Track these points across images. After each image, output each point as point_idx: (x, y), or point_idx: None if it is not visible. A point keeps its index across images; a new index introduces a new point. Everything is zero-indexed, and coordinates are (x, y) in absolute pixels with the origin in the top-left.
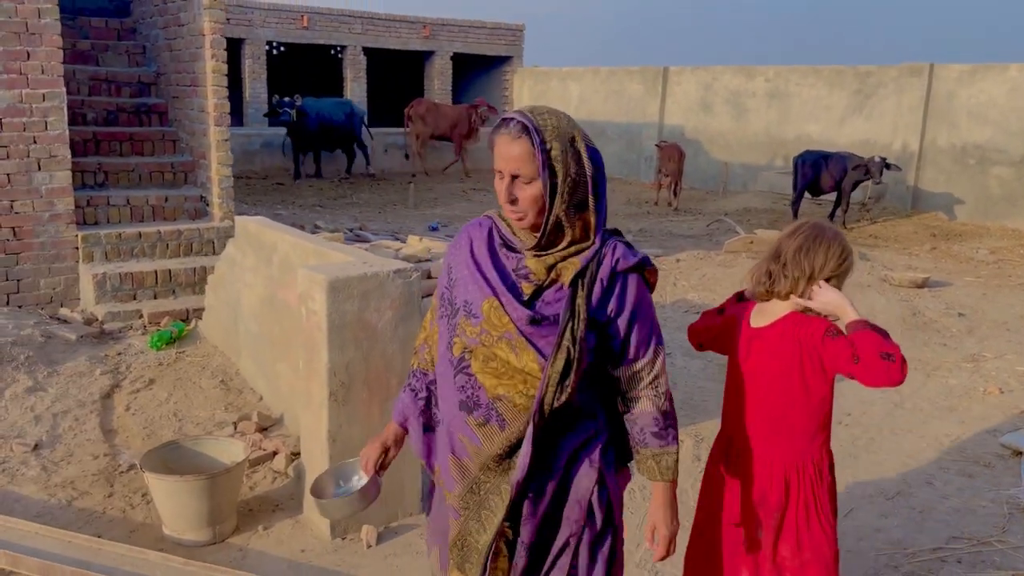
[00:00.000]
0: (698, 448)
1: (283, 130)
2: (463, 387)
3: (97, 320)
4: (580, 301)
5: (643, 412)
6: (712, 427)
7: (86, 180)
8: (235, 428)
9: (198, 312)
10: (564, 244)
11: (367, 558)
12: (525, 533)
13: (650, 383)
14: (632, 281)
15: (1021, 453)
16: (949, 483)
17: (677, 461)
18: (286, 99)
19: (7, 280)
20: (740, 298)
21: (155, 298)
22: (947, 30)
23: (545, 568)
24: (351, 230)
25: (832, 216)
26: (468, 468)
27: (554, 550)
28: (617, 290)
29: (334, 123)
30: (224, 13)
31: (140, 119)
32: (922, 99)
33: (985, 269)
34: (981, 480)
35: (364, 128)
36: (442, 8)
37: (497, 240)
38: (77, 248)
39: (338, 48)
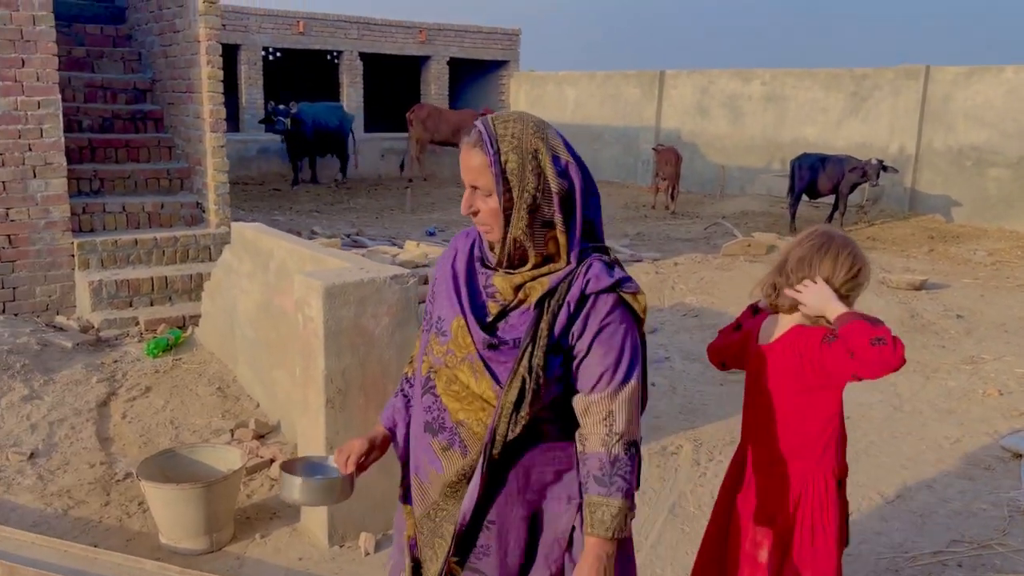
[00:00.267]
0: (697, 452)
1: (279, 136)
2: (429, 408)
3: (93, 327)
4: (543, 325)
5: (591, 453)
6: (711, 431)
7: (82, 187)
8: (232, 436)
9: (195, 319)
10: (533, 263)
11: (365, 566)
12: (488, 568)
13: (603, 420)
14: (602, 304)
15: (1021, 455)
16: (949, 486)
17: (622, 517)
18: (280, 107)
19: (3, 288)
20: (755, 311)
21: (151, 305)
22: (943, 32)
23: None
24: (348, 235)
25: (830, 219)
26: (428, 492)
27: None
28: (583, 313)
29: (328, 128)
30: (220, 19)
31: (136, 126)
32: (918, 101)
33: (983, 271)
34: (981, 483)
35: (351, 134)
36: (438, 13)
37: (476, 254)
38: (73, 255)
39: (334, 53)
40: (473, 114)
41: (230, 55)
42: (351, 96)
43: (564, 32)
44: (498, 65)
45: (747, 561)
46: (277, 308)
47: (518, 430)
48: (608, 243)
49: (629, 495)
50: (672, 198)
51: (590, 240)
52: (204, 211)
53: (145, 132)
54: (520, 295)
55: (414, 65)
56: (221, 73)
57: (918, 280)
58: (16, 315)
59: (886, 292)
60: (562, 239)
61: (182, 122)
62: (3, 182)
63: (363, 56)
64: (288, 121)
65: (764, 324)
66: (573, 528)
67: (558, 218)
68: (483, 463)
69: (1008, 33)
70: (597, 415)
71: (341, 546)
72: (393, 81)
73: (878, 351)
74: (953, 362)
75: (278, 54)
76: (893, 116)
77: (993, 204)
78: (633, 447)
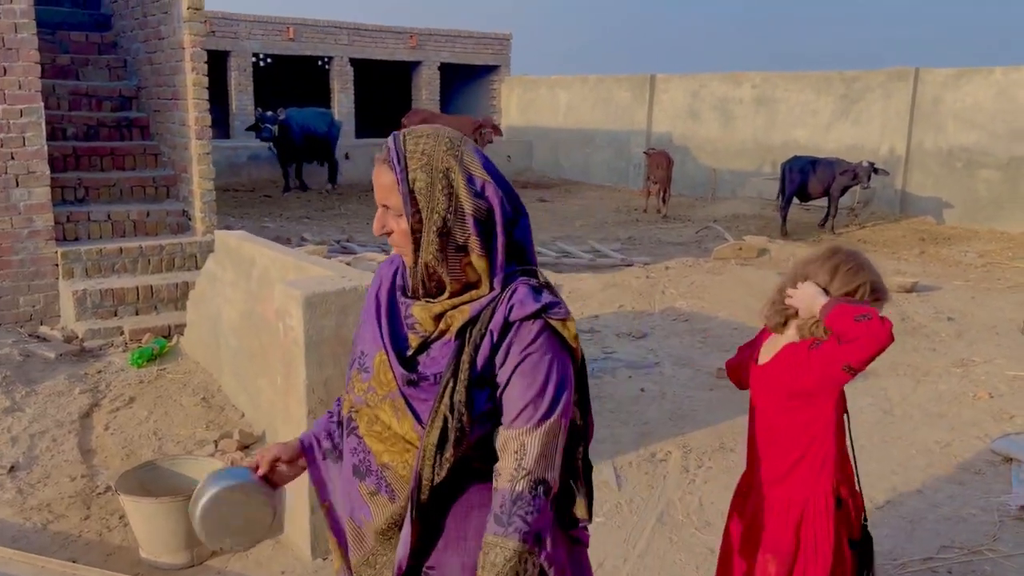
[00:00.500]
0: (686, 459)
1: (268, 142)
2: (355, 450)
3: (77, 338)
4: (464, 358)
5: (498, 489)
6: (701, 437)
7: (66, 196)
8: (216, 446)
9: (180, 328)
10: (451, 291)
11: None
12: None
13: (514, 453)
14: (526, 331)
15: (1011, 459)
16: (939, 491)
17: (517, 561)
18: (268, 113)
19: None
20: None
21: (137, 314)
22: (932, 34)
23: None
24: (338, 242)
25: (824, 223)
26: (365, 537)
27: None
28: (507, 343)
29: (316, 134)
30: (204, 26)
31: (121, 133)
32: (908, 103)
33: (974, 272)
34: (971, 487)
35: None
36: (429, 18)
37: (399, 282)
38: (57, 265)
39: (325, 59)
40: (469, 120)
41: (220, 62)
42: (342, 102)
43: (555, 37)
44: (489, 70)
45: None
46: (260, 317)
47: (444, 473)
48: (599, 247)
49: (528, 538)
50: (664, 202)
51: (520, 264)
52: (190, 219)
53: (131, 140)
54: (441, 325)
55: (405, 70)
56: (206, 80)
57: (909, 282)
58: None
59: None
60: (481, 264)
61: (168, 129)
62: None
63: (354, 62)
64: (275, 128)
65: (765, 344)
66: None
67: (474, 242)
68: (412, 509)
69: (998, 35)
70: (510, 449)
71: (325, 558)
72: (384, 87)
73: (865, 326)
74: (944, 365)
75: (269, 60)
76: (883, 118)
77: (983, 205)
78: (541, 486)
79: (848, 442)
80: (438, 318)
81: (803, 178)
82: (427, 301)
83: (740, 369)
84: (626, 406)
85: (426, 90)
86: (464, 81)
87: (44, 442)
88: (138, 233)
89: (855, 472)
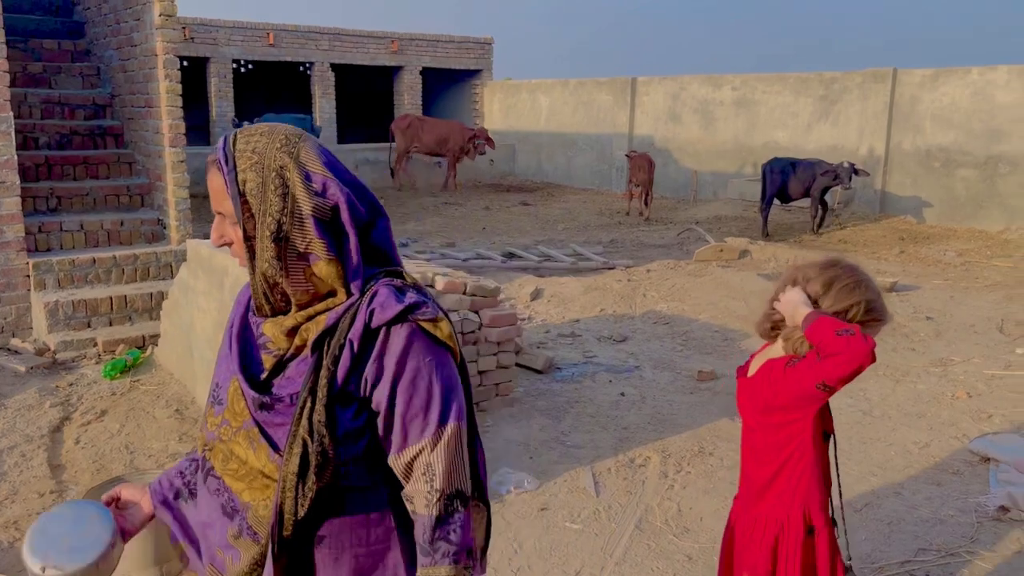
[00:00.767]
0: (665, 464)
1: None
2: (218, 490)
3: (49, 350)
4: (323, 373)
5: (416, 515)
6: (680, 441)
7: (38, 206)
8: None
9: (155, 339)
10: (299, 302)
11: None
12: None
13: (423, 475)
14: (396, 339)
15: (989, 459)
16: (918, 492)
17: None
18: (244, 124)
19: None
20: None
21: (110, 325)
22: (909, 35)
23: None
24: None
25: (820, 226)
26: None
27: None
28: (374, 353)
29: None
30: (178, 32)
31: (95, 142)
32: (886, 104)
33: (953, 271)
34: (950, 488)
35: None
36: (410, 23)
37: (252, 299)
38: (28, 276)
39: (306, 64)
40: (459, 125)
41: (200, 68)
42: (323, 107)
43: (537, 41)
44: (471, 74)
45: None
46: None
47: (308, 504)
48: (581, 250)
49: (460, 557)
50: (646, 204)
51: (382, 266)
52: (165, 227)
53: (104, 148)
54: (296, 341)
55: (387, 75)
56: (179, 87)
57: (888, 282)
58: None
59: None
60: (331, 269)
61: (142, 137)
62: None
63: (335, 67)
64: None
65: (757, 356)
66: None
67: (318, 246)
68: (273, 549)
69: (974, 35)
70: (418, 470)
71: None
72: (366, 92)
73: (845, 341)
74: (923, 365)
75: (250, 66)
76: (862, 119)
77: (962, 204)
78: (457, 499)
79: (834, 468)
80: (292, 333)
81: (784, 179)
82: (293, 314)
83: None
84: (606, 411)
85: (408, 95)
86: (446, 85)
87: (12, 457)
88: (112, 243)
89: (838, 500)
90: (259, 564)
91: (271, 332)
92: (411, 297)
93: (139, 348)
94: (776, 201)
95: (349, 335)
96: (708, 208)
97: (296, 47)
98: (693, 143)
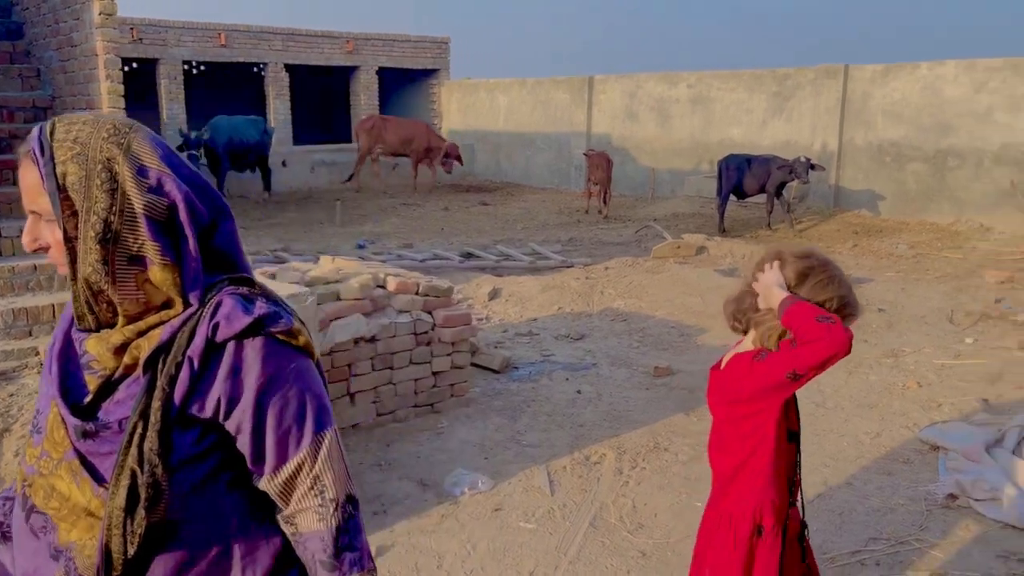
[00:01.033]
0: (620, 461)
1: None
2: (44, 528)
3: None
4: (156, 395)
5: (309, 533)
6: (635, 438)
7: None
8: None
9: None
10: (127, 313)
11: None
12: None
13: (311, 489)
14: (252, 351)
15: (938, 448)
16: (869, 482)
17: None
18: (192, 136)
19: None
20: None
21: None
22: (860, 31)
23: None
24: (272, 251)
25: (786, 215)
26: None
27: None
28: (223, 370)
29: (248, 142)
30: (118, 32)
31: None
32: (838, 100)
33: (904, 264)
34: (900, 477)
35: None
36: (366, 23)
37: (74, 309)
38: None
39: (260, 65)
40: (424, 126)
41: (149, 70)
42: (278, 108)
43: (496, 40)
44: (429, 74)
45: None
46: None
47: (137, 542)
48: (540, 249)
49: (366, 563)
50: (604, 202)
51: (227, 273)
52: None
53: None
54: (126, 359)
55: (343, 75)
56: (122, 88)
57: None
58: None
59: None
60: (167, 276)
61: None
62: None
63: (289, 68)
64: (201, 152)
65: (730, 349)
66: None
67: (152, 248)
68: None
69: (923, 30)
70: (302, 486)
71: None
72: (322, 92)
73: (826, 328)
74: (875, 356)
75: (201, 67)
76: (815, 115)
77: (913, 198)
78: (350, 504)
79: (796, 468)
80: (121, 350)
81: (739, 176)
82: (118, 330)
83: None
84: (562, 408)
85: (365, 95)
86: (404, 85)
87: None
88: None
89: (800, 500)
90: None
91: (96, 349)
92: (261, 307)
93: None
94: (732, 197)
95: (188, 352)
96: (666, 205)
97: (248, 47)
98: (650, 141)
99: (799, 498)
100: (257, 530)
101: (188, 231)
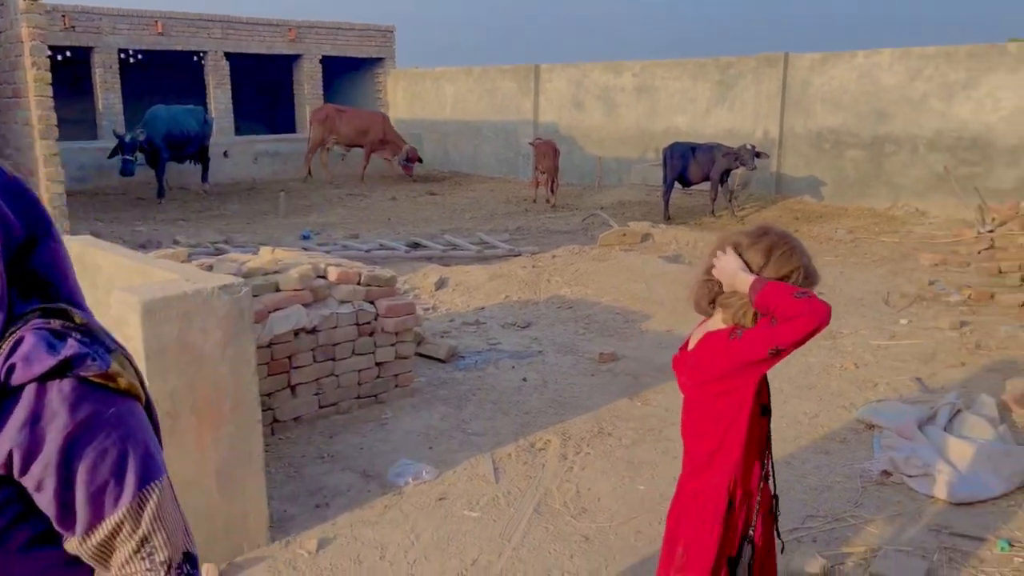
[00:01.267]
0: (565, 447)
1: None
2: None
3: None
4: None
5: None
6: (580, 423)
7: None
8: None
9: None
10: None
11: None
12: None
13: (136, 552)
14: (56, 396)
15: (874, 426)
16: (806, 461)
17: None
18: (127, 138)
19: None
20: None
21: None
22: (800, 20)
23: None
24: (213, 244)
25: (728, 201)
26: None
27: None
28: (16, 418)
29: (188, 133)
30: (44, 18)
31: None
32: (779, 88)
33: (843, 248)
34: (836, 456)
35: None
36: (309, 11)
37: None
38: None
39: (199, 54)
40: (379, 116)
41: (84, 58)
42: (219, 98)
43: (441, 29)
44: (374, 63)
45: None
46: (109, 327)
47: None
48: (487, 238)
49: None
50: (552, 191)
51: (44, 302)
52: None
53: None
54: None
55: (286, 64)
56: (49, 76)
57: None
58: None
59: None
60: None
61: (11, 130)
62: None
63: (230, 56)
64: (137, 157)
65: (696, 330)
66: None
67: None
68: None
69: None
70: (125, 549)
71: None
72: (265, 81)
73: (807, 302)
74: (814, 338)
75: (139, 56)
76: (757, 103)
77: (851, 184)
78: (187, 564)
79: (767, 442)
80: None
81: (684, 163)
82: None
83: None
84: (508, 396)
85: (308, 84)
86: (349, 74)
87: None
88: None
89: (771, 474)
90: None
91: None
92: (72, 347)
93: None
94: (678, 185)
95: None
96: (613, 194)
97: (187, 36)
98: (597, 129)
99: (771, 471)
100: None
101: None
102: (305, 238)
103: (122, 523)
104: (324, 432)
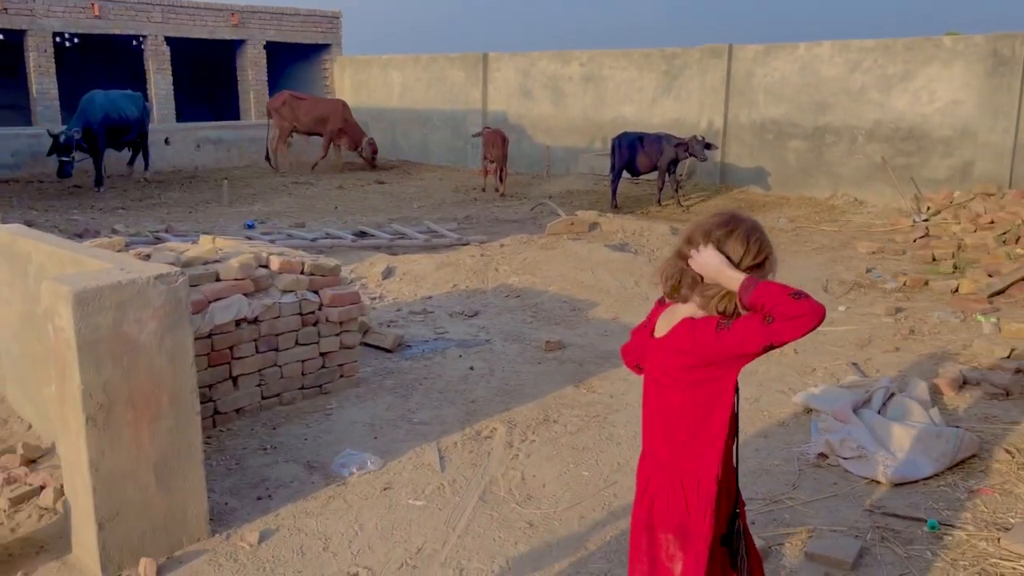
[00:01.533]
0: (511, 434)
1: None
2: None
3: None
4: None
5: None
6: (526, 411)
7: None
8: None
9: None
10: None
11: None
12: None
13: None
14: None
15: (811, 410)
16: (746, 445)
17: None
18: (62, 137)
19: None
20: (662, 304)
21: None
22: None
23: None
24: (153, 232)
25: (674, 191)
26: None
27: None
28: None
29: (128, 119)
30: None
31: None
32: (723, 79)
33: (784, 237)
34: (775, 439)
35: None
36: None
37: None
38: None
39: (138, 38)
40: (338, 103)
41: (17, 41)
42: (159, 83)
43: (388, 16)
44: (320, 49)
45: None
46: (41, 318)
47: None
48: (435, 227)
49: None
50: (501, 180)
51: None
52: None
53: None
54: None
55: (229, 49)
56: None
57: None
58: None
59: None
60: None
61: None
62: None
63: (171, 41)
64: (74, 156)
65: (661, 317)
66: None
67: None
68: None
69: (803, 10)
70: None
71: None
72: (207, 66)
73: (806, 303)
74: None
75: (75, 40)
76: (702, 93)
77: (793, 174)
78: None
79: (736, 422)
80: None
81: (631, 153)
82: None
83: (637, 350)
84: (455, 385)
85: (252, 70)
86: (294, 60)
87: None
88: None
89: (735, 455)
90: None
91: None
92: None
93: None
94: (626, 174)
95: None
96: (561, 183)
97: (125, 19)
98: (545, 119)
99: (735, 454)
100: None
101: None
102: (249, 227)
103: None
104: (267, 423)
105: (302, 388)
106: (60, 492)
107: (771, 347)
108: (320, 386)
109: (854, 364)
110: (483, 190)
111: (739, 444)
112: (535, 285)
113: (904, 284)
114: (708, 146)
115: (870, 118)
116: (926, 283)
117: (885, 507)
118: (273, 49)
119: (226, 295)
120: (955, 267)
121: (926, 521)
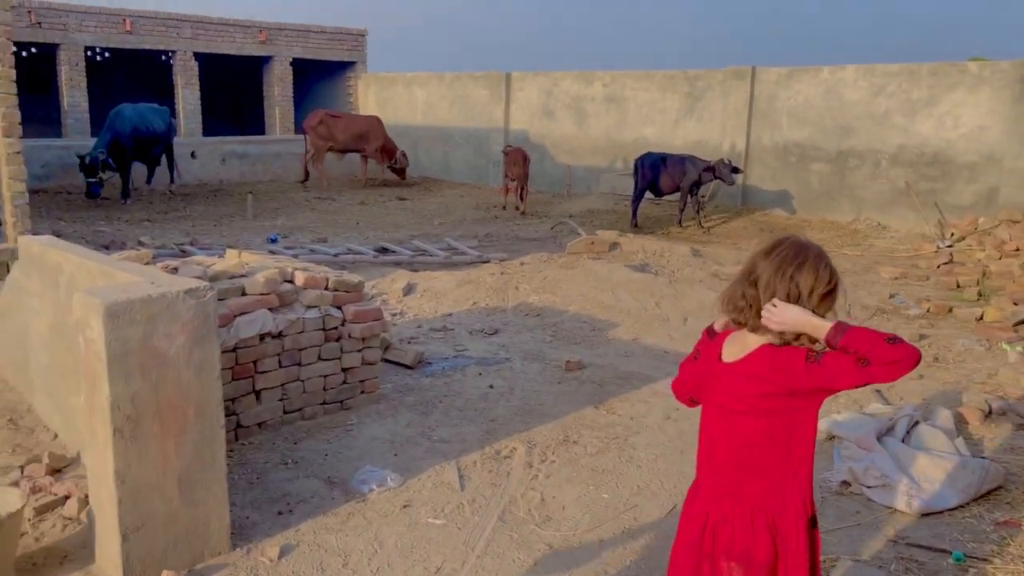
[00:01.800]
0: (530, 454)
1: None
2: None
3: None
4: None
5: None
6: (546, 431)
7: None
8: (22, 472)
9: None
10: None
11: None
12: None
13: None
14: None
15: (835, 437)
16: None
17: None
18: (87, 159)
19: None
20: (712, 334)
21: None
22: (768, 33)
23: None
24: (178, 245)
25: (695, 212)
26: None
27: None
28: None
29: (155, 132)
30: (9, 15)
31: None
32: (746, 101)
33: None
34: None
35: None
36: (281, 12)
37: None
38: None
39: (168, 53)
40: (374, 120)
41: (50, 55)
42: (187, 98)
43: (414, 34)
44: (345, 66)
45: None
46: (71, 329)
47: None
48: (456, 244)
49: None
50: (521, 199)
51: None
52: (0, 224)
53: None
54: None
55: (256, 66)
56: (13, 73)
57: None
58: None
59: (718, 284)
60: None
61: None
62: None
63: (199, 56)
64: (103, 177)
65: (727, 341)
66: None
67: None
68: None
69: (827, 34)
70: None
71: None
72: (234, 82)
73: (904, 348)
74: None
75: (106, 54)
76: (724, 115)
77: (816, 197)
78: None
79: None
80: None
81: (655, 174)
82: None
83: (691, 381)
84: (474, 404)
85: (279, 86)
86: (320, 77)
87: None
88: None
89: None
90: None
91: None
92: None
93: None
94: (648, 194)
95: None
96: (582, 202)
97: (156, 35)
98: (567, 138)
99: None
100: None
101: None
102: (272, 241)
103: None
104: (288, 438)
105: (324, 403)
106: (84, 502)
107: (864, 385)
108: (341, 401)
109: (878, 391)
110: (503, 208)
111: None
112: (555, 304)
113: (928, 311)
114: (735, 170)
115: (894, 142)
116: (950, 310)
117: (909, 537)
118: (299, 66)
119: (251, 309)
120: (980, 294)
121: (951, 553)
